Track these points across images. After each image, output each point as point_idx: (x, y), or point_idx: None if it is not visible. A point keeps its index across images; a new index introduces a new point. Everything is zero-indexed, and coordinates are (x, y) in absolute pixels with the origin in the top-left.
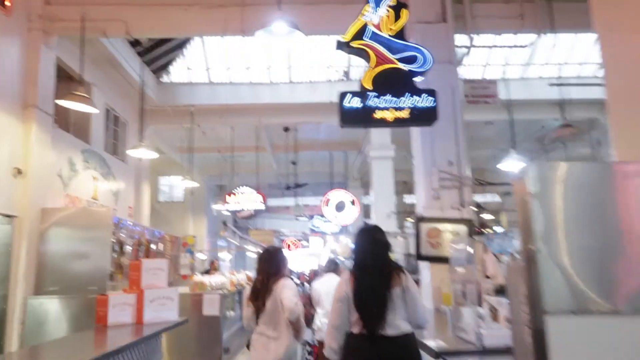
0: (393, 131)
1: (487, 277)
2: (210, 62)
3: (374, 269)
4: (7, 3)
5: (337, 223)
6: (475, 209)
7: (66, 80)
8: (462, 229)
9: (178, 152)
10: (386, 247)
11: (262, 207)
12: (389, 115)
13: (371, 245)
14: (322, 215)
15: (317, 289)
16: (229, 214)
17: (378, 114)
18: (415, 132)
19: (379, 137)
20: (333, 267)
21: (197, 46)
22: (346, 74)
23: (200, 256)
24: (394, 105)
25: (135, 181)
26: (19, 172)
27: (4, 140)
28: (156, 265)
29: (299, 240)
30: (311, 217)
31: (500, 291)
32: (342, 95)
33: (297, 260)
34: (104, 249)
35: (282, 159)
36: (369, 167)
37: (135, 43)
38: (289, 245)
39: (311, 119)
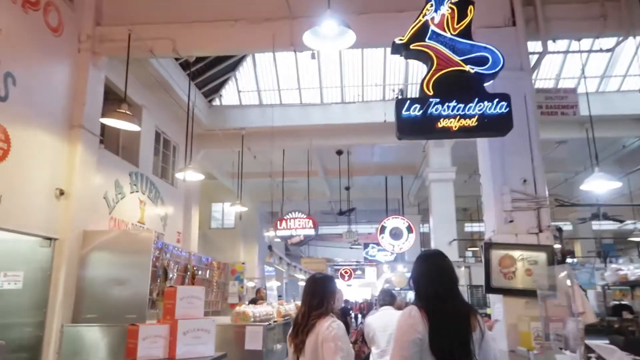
0: (454, 152)
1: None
2: (261, 84)
3: (452, 306)
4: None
5: (393, 251)
6: (556, 235)
7: (114, 102)
8: (541, 257)
9: (230, 177)
10: (456, 277)
11: (312, 232)
12: (454, 124)
13: (440, 275)
14: (377, 244)
15: (372, 325)
16: (279, 240)
17: (441, 123)
18: (483, 147)
19: (439, 158)
20: (389, 299)
21: (248, 68)
22: (402, 92)
23: (250, 284)
24: (460, 113)
25: (185, 206)
26: (62, 193)
27: (48, 160)
28: (192, 293)
29: (353, 270)
30: (365, 245)
31: (591, 331)
32: (400, 103)
33: (351, 290)
34: (144, 274)
35: (334, 184)
36: (427, 192)
37: (186, 66)
38: (342, 275)
39: (364, 140)
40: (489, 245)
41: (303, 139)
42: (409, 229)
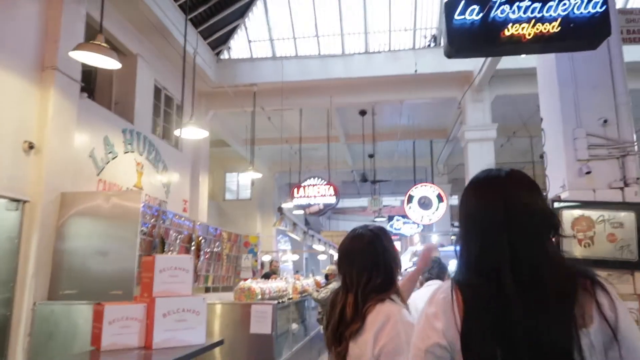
0: (493, 111)
1: None
2: (274, 33)
3: (524, 280)
4: None
5: (422, 222)
6: None
7: None
8: (628, 217)
9: (244, 145)
10: (546, 220)
11: (333, 200)
12: (527, 31)
13: (508, 219)
14: (402, 216)
15: (417, 306)
16: (298, 212)
17: (509, 30)
18: (549, 79)
19: (477, 114)
20: (436, 270)
21: (259, 14)
22: (435, 38)
23: (266, 258)
24: (537, 15)
25: (192, 172)
26: (31, 146)
27: (13, 107)
28: (176, 264)
29: None
30: (390, 218)
31: None
32: (451, 5)
33: None
34: (132, 243)
35: (357, 151)
36: (463, 154)
37: (189, 8)
38: None
39: (392, 96)
40: (559, 203)
41: (322, 96)
42: (440, 198)
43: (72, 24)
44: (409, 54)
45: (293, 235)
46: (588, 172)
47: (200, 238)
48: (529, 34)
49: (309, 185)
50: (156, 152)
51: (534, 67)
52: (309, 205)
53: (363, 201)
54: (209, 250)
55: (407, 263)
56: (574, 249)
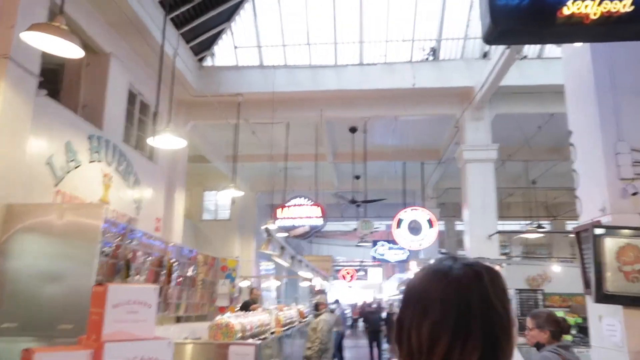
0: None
1: None
2: (263, 39)
3: None
4: None
5: (411, 248)
6: None
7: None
8: None
9: (225, 161)
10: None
11: (320, 222)
12: (592, 10)
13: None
14: (387, 241)
15: None
16: (282, 234)
17: (569, 9)
18: (579, 83)
19: (476, 134)
20: None
21: (246, 17)
22: (433, 51)
23: (244, 284)
24: None
25: (167, 188)
26: None
27: None
28: (135, 296)
29: (356, 271)
30: (374, 242)
31: None
32: None
33: (351, 292)
34: (89, 266)
35: (343, 172)
36: (453, 178)
37: (170, 7)
38: (343, 276)
39: (387, 111)
40: (600, 230)
41: (312, 109)
42: (430, 223)
43: (31, 8)
44: (406, 66)
45: (280, 260)
46: (635, 193)
47: (172, 261)
48: (594, 14)
49: (294, 205)
50: (127, 163)
51: (539, 85)
52: (294, 227)
53: (346, 225)
54: (182, 275)
55: (392, 291)
56: (620, 285)
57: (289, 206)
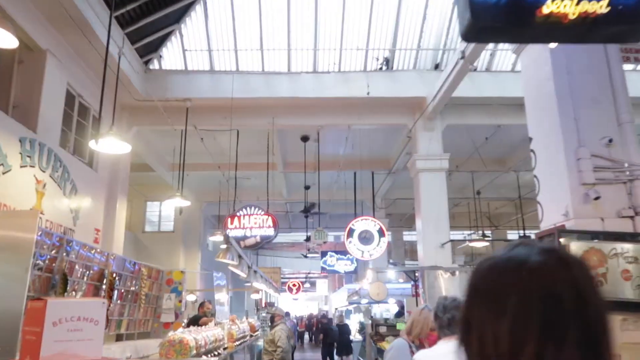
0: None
1: None
2: (214, 43)
3: None
4: None
5: (362, 257)
6: None
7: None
8: None
9: (170, 170)
10: None
11: (272, 232)
12: (569, 10)
13: None
14: (336, 252)
15: None
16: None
17: (548, 7)
18: (539, 90)
19: (429, 143)
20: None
21: (197, 19)
22: (387, 61)
23: (191, 298)
24: None
25: (108, 197)
26: None
27: None
28: (80, 312)
29: (302, 283)
30: (323, 253)
31: None
32: None
33: (297, 304)
34: (19, 281)
35: (292, 182)
36: (402, 188)
37: (116, 4)
38: (290, 288)
39: (340, 120)
40: (563, 235)
41: (264, 116)
42: (381, 233)
43: None
44: (360, 75)
45: (236, 270)
46: (597, 198)
47: (114, 275)
48: (573, 14)
49: (244, 215)
50: (64, 169)
51: (488, 97)
52: (245, 238)
53: (294, 236)
54: (124, 289)
55: (341, 302)
56: None
57: (239, 216)
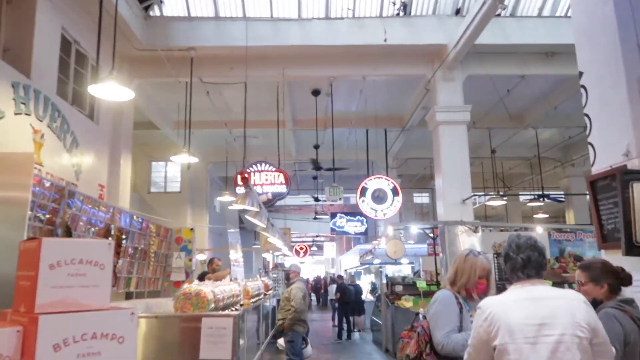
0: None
1: None
2: None
3: None
4: None
5: (376, 216)
6: None
7: None
8: None
9: (175, 127)
10: None
11: (284, 190)
12: None
13: None
14: (346, 214)
15: (503, 322)
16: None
17: None
18: (589, 20)
19: (449, 95)
20: (536, 259)
21: None
22: (404, 5)
23: (201, 257)
24: None
25: (112, 152)
26: None
27: None
28: (82, 253)
29: (309, 246)
30: (333, 215)
31: None
32: None
33: (304, 267)
34: (16, 231)
35: (302, 142)
36: (415, 147)
37: None
38: (297, 251)
39: (354, 70)
40: (628, 175)
41: (273, 66)
42: (395, 192)
43: None
44: (375, 22)
45: (255, 221)
46: None
47: (121, 231)
48: None
49: (255, 172)
50: (63, 120)
51: (513, 44)
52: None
53: (301, 198)
54: (131, 246)
55: (351, 263)
56: None
57: (249, 172)
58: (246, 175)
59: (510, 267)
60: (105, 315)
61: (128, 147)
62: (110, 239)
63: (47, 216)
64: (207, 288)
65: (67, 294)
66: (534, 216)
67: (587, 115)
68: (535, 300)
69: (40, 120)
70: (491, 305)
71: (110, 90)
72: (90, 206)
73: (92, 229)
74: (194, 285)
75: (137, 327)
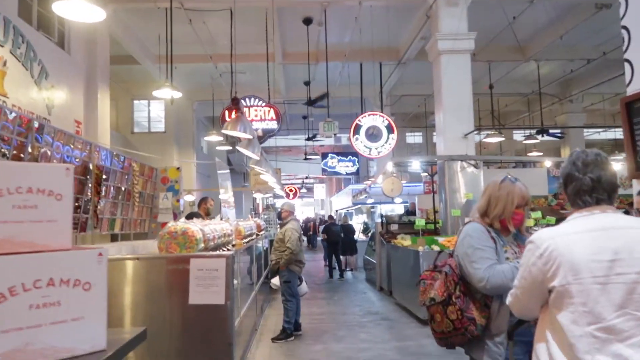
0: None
1: None
2: None
3: None
4: None
5: (370, 155)
6: None
7: None
8: None
9: (156, 61)
10: None
11: (275, 126)
12: None
13: None
14: (337, 154)
15: (567, 257)
16: (224, 146)
17: None
18: None
19: (451, 21)
20: (608, 186)
21: None
22: None
23: (189, 198)
24: None
25: (88, 87)
26: None
27: None
28: (31, 180)
29: (299, 188)
30: (324, 155)
31: None
32: None
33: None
34: None
35: (292, 78)
36: (410, 84)
37: None
38: (287, 193)
39: None
40: None
41: None
42: (390, 129)
43: None
44: None
45: (247, 152)
46: None
47: (101, 168)
48: None
49: (245, 107)
50: (28, 46)
51: None
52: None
53: (292, 140)
54: (113, 186)
55: (343, 204)
56: None
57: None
58: (237, 97)
59: (573, 190)
60: (64, 257)
61: (105, 81)
62: (89, 176)
63: (14, 152)
64: (195, 226)
65: (13, 231)
66: (528, 154)
67: (625, 27)
68: (605, 231)
69: (2, 45)
70: (548, 237)
71: (78, 9)
72: (63, 142)
73: (64, 163)
74: (181, 223)
75: (105, 271)
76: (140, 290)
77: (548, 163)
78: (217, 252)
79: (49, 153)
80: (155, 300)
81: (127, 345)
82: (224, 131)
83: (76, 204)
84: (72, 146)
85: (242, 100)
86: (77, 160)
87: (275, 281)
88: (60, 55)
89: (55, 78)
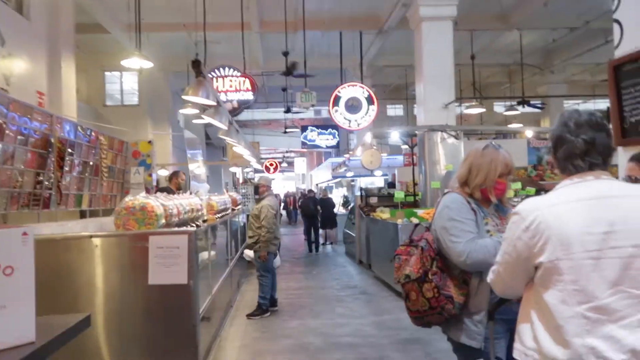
0: None
1: None
2: None
3: None
4: None
5: (350, 127)
6: None
7: None
8: None
9: (126, 31)
10: None
11: (250, 97)
12: None
13: None
14: (317, 127)
15: (557, 229)
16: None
17: None
18: None
19: None
20: (603, 150)
21: None
22: None
23: (163, 173)
24: None
25: (50, 56)
26: None
27: None
28: None
29: (279, 163)
30: (304, 128)
31: None
32: None
33: (275, 184)
34: None
35: (270, 49)
36: (391, 54)
37: None
38: (267, 168)
39: None
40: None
41: None
42: (370, 100)
43: None
44: None
45: (213, 121)
46: None
47: (64, 142)
48: None
49: (217, 77)
50: None
51: None
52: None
53: (271, 112)
54: (79, 160)
55: (323, 178)
56: None
57: (212, 77)
58: (198, 59)
59: (564, 154)
60: None
61: (70, 49)
62: (50, 151)
63: None
64: (156, 201)
65: None
66: (508, 126)
67: None
68: (600, 200)
69: None
70: (535, 208)
71: None
72: (19, 114)
73: (29, 139)
74: (140, 198)
75: (32, 254)
76: (95, 271)
77: (529, 133)
78: (181, 229)
79: (2, 125)
80: (113, 281)
81: (62, 336)
82: (184, 97)
83: (38, 178)
84: (29, 117)
85: (216, 70)
86: (36, 132)
87: (250, 253)
88: (19, 21)
89: (14, 45)
